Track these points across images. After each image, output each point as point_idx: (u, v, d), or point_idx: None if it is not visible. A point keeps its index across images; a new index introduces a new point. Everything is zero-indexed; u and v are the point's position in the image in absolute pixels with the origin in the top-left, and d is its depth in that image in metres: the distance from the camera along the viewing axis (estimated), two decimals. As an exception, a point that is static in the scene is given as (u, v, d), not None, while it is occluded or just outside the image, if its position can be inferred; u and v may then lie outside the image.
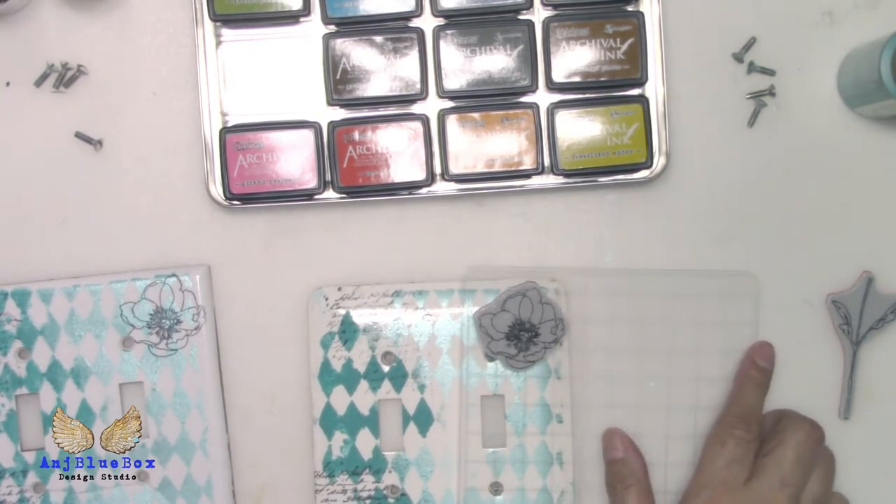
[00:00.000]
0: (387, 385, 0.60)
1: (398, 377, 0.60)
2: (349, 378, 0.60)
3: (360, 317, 0.61)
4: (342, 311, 0.60)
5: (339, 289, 0.61)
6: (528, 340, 0.60)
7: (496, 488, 0.60)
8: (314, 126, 0.60)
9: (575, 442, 0.60)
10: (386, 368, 0.60)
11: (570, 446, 0.60)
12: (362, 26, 0.60)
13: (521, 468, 0.60)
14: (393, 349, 0.60)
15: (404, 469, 0.60)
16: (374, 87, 0.60)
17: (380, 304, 0.61)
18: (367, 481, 0.60)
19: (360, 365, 0.60)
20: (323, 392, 0.60)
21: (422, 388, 0.60)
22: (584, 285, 0.61)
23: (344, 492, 0.60)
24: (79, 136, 0.62)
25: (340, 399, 0.60)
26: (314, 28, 0.61)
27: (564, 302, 0.60)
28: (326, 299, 0.61)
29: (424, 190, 0.61)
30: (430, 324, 0.60)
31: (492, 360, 0.60)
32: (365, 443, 0.60)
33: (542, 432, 0.60)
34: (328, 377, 0.60)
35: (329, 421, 0.60)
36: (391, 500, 0.60)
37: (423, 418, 0.60)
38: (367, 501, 0.60)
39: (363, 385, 0.60)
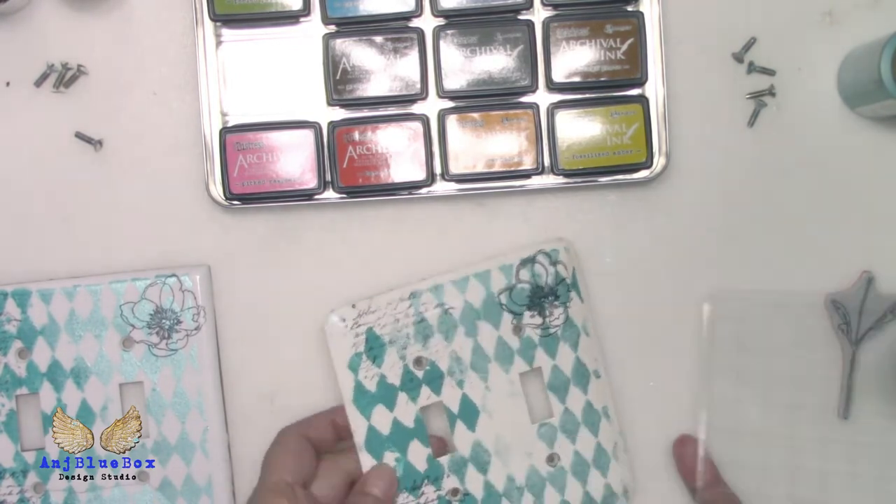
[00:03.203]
0: (426, 391, 0.59)
1: (435, 379, 0.59)
2: (386, 394, 0.59)
3: (383, 328, 0.59)
4: (363, 329, 0.59)
5: (354, 305, 0.59)
6: (550, 305, 0.59)
7: (553, 459, 0.59)
8: (314, 126, 0.60)
9: (615, 392, 0.60)
10: (420, 374, 0.59)
11: (612, 398, 0.60)
12: (362, 26, 0.60)
13: (572, 432, 0.59)
14: (423, 353, 0.59)
15: (462, 469, 0.59)
16: (374, 87, 0.60)
17: (399, 311, 0.59)
18: (428, 492, 0.59)
19: (394, 378, 0.59)
20: (362, 416, 0.59)
21: (460, 383, 0.59)
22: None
23: None
24: (79, 136, 0.62)
25: (382, 418, 0.59)
26: (314, 28, 0.61)
27: (575, 260, 0.60)
28: (343, 321, 0.59)
29: (424, 190, 0.61)
30: (454, 317, 0.59)
31: (520, 333, 0.59)
32: (417, 455, 0.59)
33: (584, 391, 0.59)
34: (364, 400, 0.59)
35: (375, 443, 0.59)
36: (456, 503, 0.59)
37: (468, 413, 0.59)
38: None
39: (402, 397, 0.59)
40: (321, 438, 0.58)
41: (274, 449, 0.57)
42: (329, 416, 0.59)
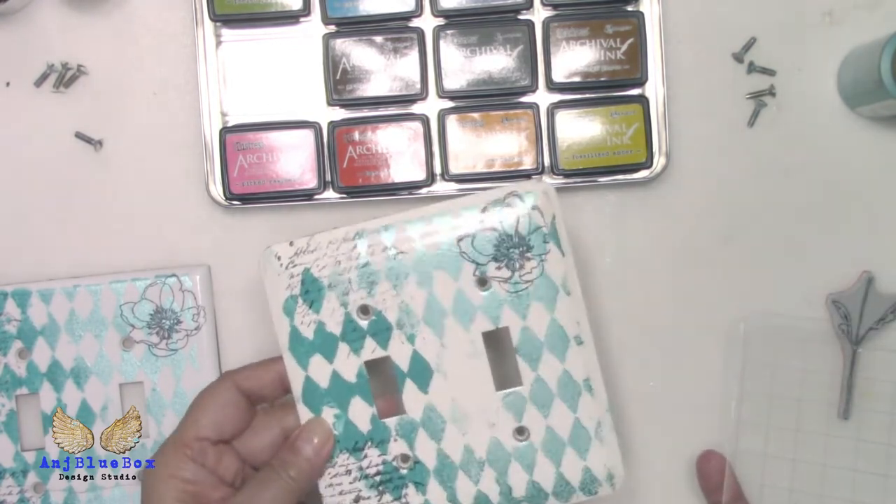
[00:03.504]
0: (370, 343, 0.52)
1: (381, 331, 0.52)
2: (325, 344, 0.52)
3: (322, 270, 0.52)
4: (299, 269, 0.52)
5: (291, 243, 0.52)
6: (520, 257, 0.52)
7: (521, 433, 0.53)
8: (314, 126, 0.60)
9: (602, 362, 0.53)
10: (365, 324, 0.52)
11: (599, 369, 0.52)
12: (362, 26, 0.60)
13: (544, 405, 0.52)
14: (369, 300, 0.52)
15: (412, 433, 0.52)
16: (374, 87, 0.60)
17: (341, 252, 0.52)
18: (372, 456, 0.53)
19: (335, 326, 0.52)
20: (299, 365, 0.52)
21: (411, 338, 0.52)
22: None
23: (348, 472, 0.53)
24: (79, 136, 0.62)
25: (320, 370, 0.53)
26: (314, 28, 0.61)
27: (556, 208, 0.52)
28: (279, 258, 0.52)
29: (424, 190, 0.61)
30: (404, 263, 0.52)
31: (485, 286, 0.52)
32: (359, 413, 0.52)
33: (561, 360, 0.52)
34: (301, 348, 0.52)
35: (314, 397, 0.53)
36: (405, 471, 0.52)
37: (419, 373, 0.52)
38: (378, 478, 0.52)
39: (343, 348, 0.52)
40: (261, 390, 0.53)
41: (202, 396, 0.52)
42: (275, 366, 0.53)
